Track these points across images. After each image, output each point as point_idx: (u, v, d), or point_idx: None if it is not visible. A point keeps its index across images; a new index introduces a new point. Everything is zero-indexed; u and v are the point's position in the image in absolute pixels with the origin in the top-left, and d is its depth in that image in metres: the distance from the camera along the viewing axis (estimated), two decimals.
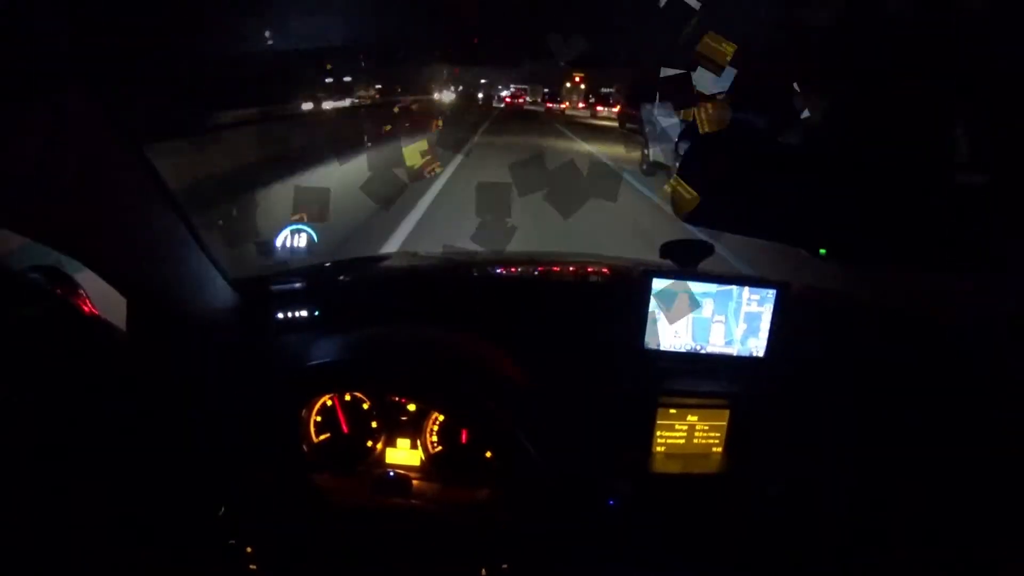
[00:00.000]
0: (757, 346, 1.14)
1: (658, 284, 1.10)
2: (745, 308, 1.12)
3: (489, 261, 1.83)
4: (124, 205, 0.88)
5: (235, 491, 1.05)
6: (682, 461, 1.10)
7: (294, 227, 1.25)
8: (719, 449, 1.12)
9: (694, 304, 1.12)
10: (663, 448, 1.11)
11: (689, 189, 0.72)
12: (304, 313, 1.22)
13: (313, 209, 1.35)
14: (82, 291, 0.96)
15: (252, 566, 1.02)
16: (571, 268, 1.84)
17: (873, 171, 0.67)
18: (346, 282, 1.47)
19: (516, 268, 1.80)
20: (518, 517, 1.06)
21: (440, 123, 14.06)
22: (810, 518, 1.07)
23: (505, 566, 1.01)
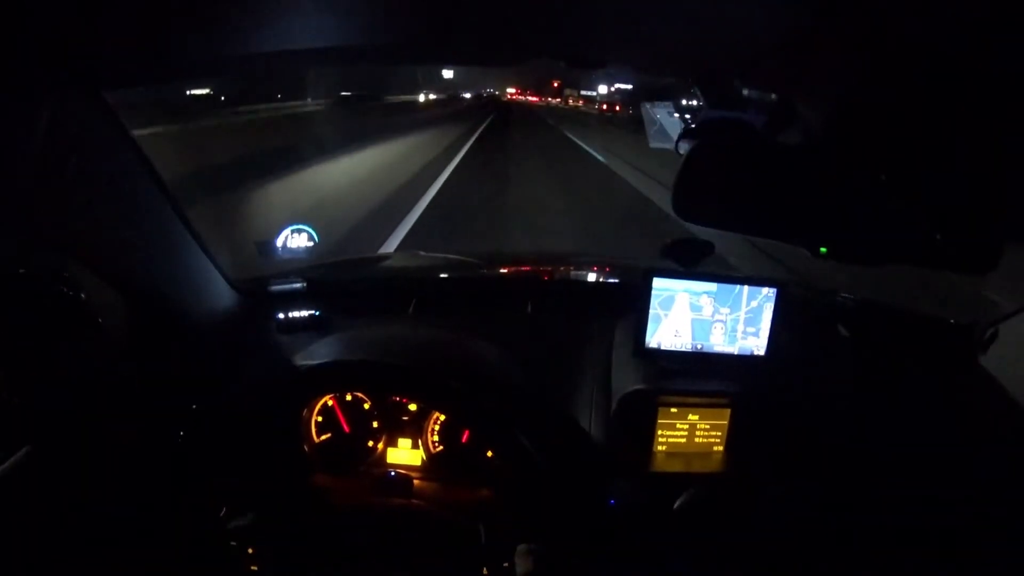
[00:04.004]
0: (758, 345, 1.14)
1: (659, 283, 1.10)
2: (746, 307, 1.12)
3: (489, 260, 1.83)
4: (124, 205, 0.88)
5: (236, 491, 1.05)
6: (683, 460, 1.10)
7: (294, 227, 1.25)
8: (720, 448, 1.12)
9: (694, 303, 1.12)
10: (664, 447, 1.11)
11: (690, 188, 0.72)
12: (304, 313, 1.22)
13: None
14: (82, 292, 0.96)
15: (253, 566, 1.02)
16: (572, 268, 1.85)
17: (873, 170, 0.67)
18: (346, 282, 1.47)
19: (516, 268, 1.80)
20: (518, 517, 1.06)
21: None
22: (811, 517, 1.07)
23: (505, 565, 1.01)
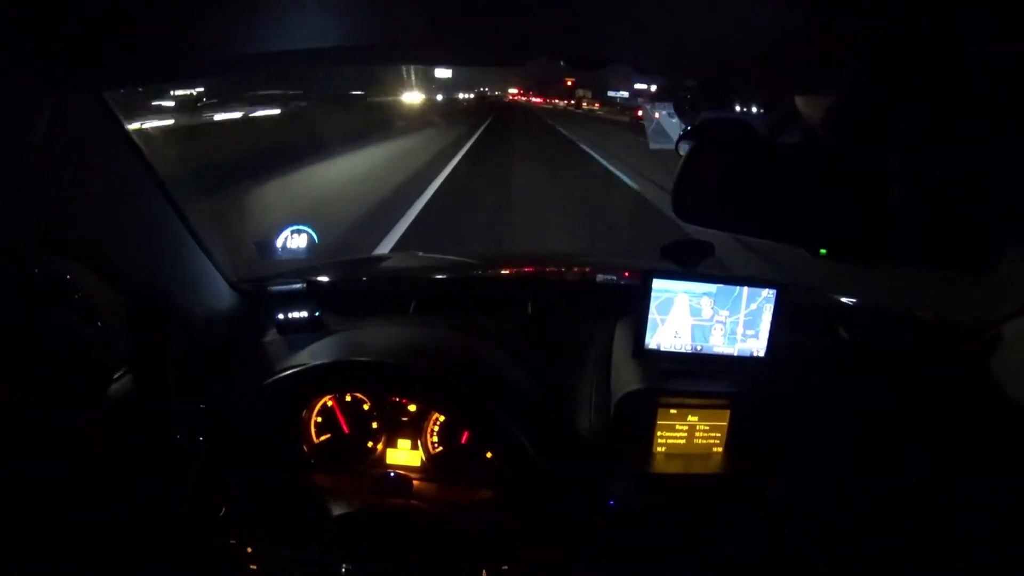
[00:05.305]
0: (757, 346, 1.14)
1: (658, 284, 1.10)
2: (745, 308, 1.12)
3: (489, 261, 1.83)
4: (124, 205, 0.88)
5: (236, 492, 1.05)
6: (682, 461, 1.10)
7: (294, 227, 1.25)
8: (719, 449, 1.12)
9: (694, 305, 1.12)
10: (663, 448, 1.11)
11: (690, 188, 0.72)
12: (304, 313, 1.22)
13: None
14: (82, 292, 0.96)
15: (252, 566, 1.02)
16: (571, 269, 1.85)
17: (873, 170, 0.67)
18: (346, 283, 1.48)
19: (516, 268, 1.80)
20: (518, 517, 1.05)
21: None
22: (810, 519, 1.07)
23: (505, 567, 1.01)
